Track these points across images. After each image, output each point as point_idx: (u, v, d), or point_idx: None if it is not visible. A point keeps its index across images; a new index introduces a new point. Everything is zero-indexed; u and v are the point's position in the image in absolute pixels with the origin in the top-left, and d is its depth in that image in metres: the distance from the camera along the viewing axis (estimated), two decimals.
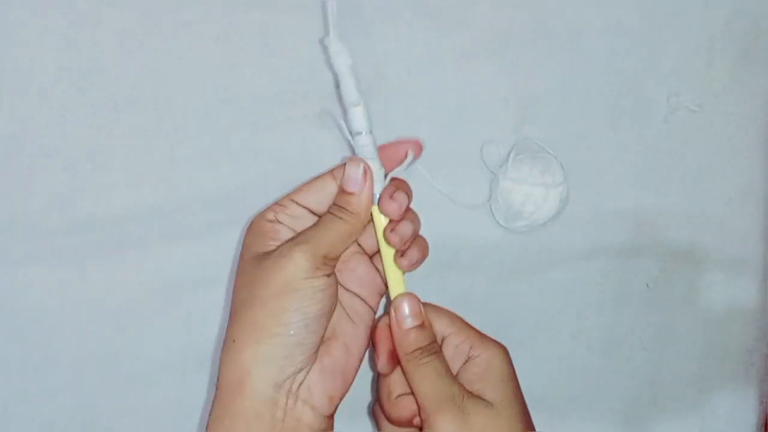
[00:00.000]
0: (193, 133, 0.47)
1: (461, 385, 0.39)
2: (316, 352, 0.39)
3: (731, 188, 0.49)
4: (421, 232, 0.48)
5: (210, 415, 0.38)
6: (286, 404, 0.38)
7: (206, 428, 0.38)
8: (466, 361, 0.41)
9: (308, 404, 0.39)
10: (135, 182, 0.47)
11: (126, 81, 0.46)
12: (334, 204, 0.40)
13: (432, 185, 0.47)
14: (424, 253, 0.42)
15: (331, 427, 0.40)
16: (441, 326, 0.41)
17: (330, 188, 0.41)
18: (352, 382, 0.41)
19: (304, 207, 0.41)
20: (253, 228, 0.40)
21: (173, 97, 0.47)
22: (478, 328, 0.48)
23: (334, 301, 0.40)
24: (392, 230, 0.40)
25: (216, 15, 0.47)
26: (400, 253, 0.41)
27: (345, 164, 0.40)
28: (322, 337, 0.40)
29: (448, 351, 0.41)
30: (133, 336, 0.47)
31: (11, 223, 0.46)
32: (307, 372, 0.39)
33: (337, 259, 0.40)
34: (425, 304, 0.41)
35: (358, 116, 0.40)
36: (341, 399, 0.40)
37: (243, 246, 0.40)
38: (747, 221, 0.49)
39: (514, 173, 0.46)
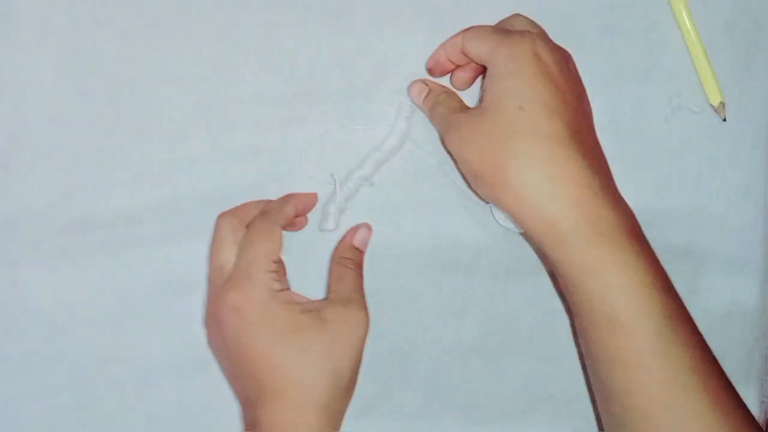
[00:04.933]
0: (193, 133, 0.47)
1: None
2: None
3: (731, 188, 0.49)
4: (422, 232, 0.48)
5: None
6: None
7: None
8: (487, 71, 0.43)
9: None
10: (135, 182, 0.47)
11: (126, 81, 0.46)
12: (346, 258, 0.45)
13: (448, 176, 0.47)
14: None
15: None
16: (472, 47, 0.43)
17: (281, 236, 0.43)
18: None
19: (279, 261, 0.43)
20: (272, 300, 0.41)
21: (173, 97, 0.47)
22: (477, 328, 0.48)
23: None
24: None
25: (216, 15, 0.47)
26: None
27: (286, 209, 0.44)
28: None
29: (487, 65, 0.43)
30: (132, 336, 0.47)
31: (11, 222, 0.46)
32: None
33: None
34: (470, 31, 0.44)
35: (354, 187, 0.47)
36: None
37: (267, 319, 0.40)
38: (747, 221, 0.49)
39: None
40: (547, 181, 0.39)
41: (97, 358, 0.47)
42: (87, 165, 0.46)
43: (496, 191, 0.40)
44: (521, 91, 0.40)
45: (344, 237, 0.46)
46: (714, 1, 0.49)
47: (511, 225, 0.47)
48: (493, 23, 0.48)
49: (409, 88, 0.47)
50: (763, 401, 0.50)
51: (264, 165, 0.47)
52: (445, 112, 0.44)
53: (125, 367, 0.47)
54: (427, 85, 0.47)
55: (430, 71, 0.47)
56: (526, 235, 0.44)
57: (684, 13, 0.48)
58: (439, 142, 0.47)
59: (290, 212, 0.44)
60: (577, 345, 0.48)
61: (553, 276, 0.48)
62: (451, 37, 0.45)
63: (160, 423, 0.47)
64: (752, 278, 0.49)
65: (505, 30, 0.43)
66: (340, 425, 0.41)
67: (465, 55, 0.44)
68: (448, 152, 0.45)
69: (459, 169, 0.45)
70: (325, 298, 0.43)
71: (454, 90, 0.47)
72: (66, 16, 0.46)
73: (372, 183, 0.47)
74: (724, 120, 0.49)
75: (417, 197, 0.48)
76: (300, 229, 0.47)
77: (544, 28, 0.48)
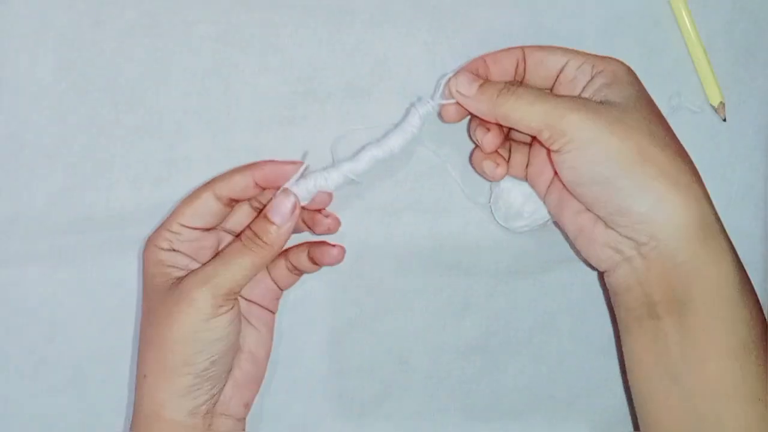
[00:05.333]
0: (193, 133, 0.47)
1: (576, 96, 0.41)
2: (228, 374, 0.41)
3: (731, 188, 0.49)
4: (422, 232, 0.48)
5: None
6: (204, 423, 0.40)
7: None
8: (591, 78, 0.41)
9: (225, 415, 0.41)
10: (135, 182, 0.47)
11: (126, 81, 0.47)
12: (249, 229, 0.40)
13: (451, 174, 0.47)
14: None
15: (244, 426, 0.43)
16: (555, 57, 0.42)
17: (213, 206, 0.41)
18: (262, 382, 0.44)
19: (194, 228, 0.41)
20: (150, 257, 0.41)
21: (173, 97, 0.47)
22: (478, 328, 0.48)
23: (238, 331, 0.41)
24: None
25: (216, 15, 0.47)
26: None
27: (229, 177, 0.41)
28: (231, 363, 0.41)
29: (568, 75, 0.42)
30: (133, 336, 0.47)
31: (11, 222, 0.46)
32: (221, 391, 0.41)
33: (240, 290, 0.40)
34: (525, 49, 0.43)
35: (337, 178, 0.42)
36: (253, 400, 0.44)
37: (144, 275, 0.41)
38: (747, 221, 0.49)
39: None
40: (687, 169, 0.40)
41: (97, 358, 0.47)
42: (87, 165, 0.46)
43: (647, 178, 0.38)
44: (650, 100, 0.41)
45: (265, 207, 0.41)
46: (714, 1, 0.49)
47: (511, 225, 0.47)
48: (493, 23, 0.48)
49: (451, 78, 0.42)
50: None
51: None
52: (545, 95, 0.40)
53: (125, 366, 0.47)
54: (476, 76, 0.42)
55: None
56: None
57: (684, 13, 0.48)
58: (441, 141, 0.47)
59: (238, 181, 0.41)
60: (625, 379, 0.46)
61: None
62: (498, 51, 0.43)
63: None
64: (752, 278, 0.49)
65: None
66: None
67: (522, 64, 0.43)
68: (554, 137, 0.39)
69: (574, 160, 0.39)
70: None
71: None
72: (66, 16, 0.46)
73: (360, 181, 0.43)
74: (724, 120, 0.49)
75: (417, 197, 0.48)
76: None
77: (545, 28, 0.48)
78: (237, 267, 0.39)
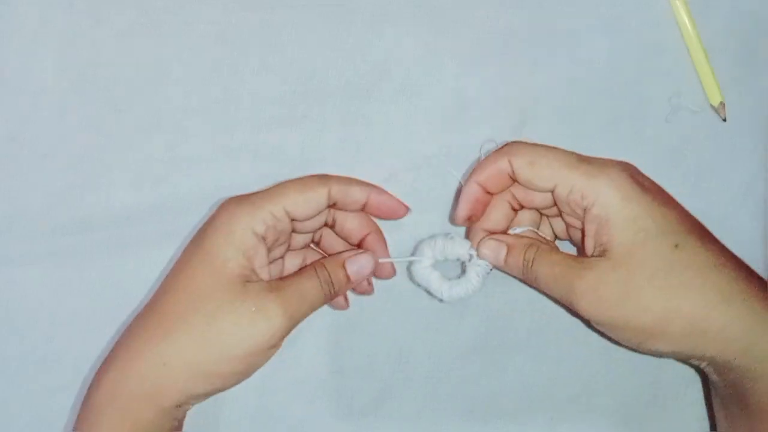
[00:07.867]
0: (193, 133, 0.47)
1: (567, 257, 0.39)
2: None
3: (731, 188, 0.49)
4: (423, 232, 0.48)
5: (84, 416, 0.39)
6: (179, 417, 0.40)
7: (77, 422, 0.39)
8: (584, 211, 0.38)
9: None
10: (135, 182, 0.47)
11: (126, 81, 0.47)
12: (326, 270, 0.40)
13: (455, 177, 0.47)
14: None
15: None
16: (543, 180, 0.39)
17: (322, 204, 0.40)
18: None
19: (292, 220, 0.40)
20: (235, 235, 0.37)
21: (173, 97, 0.47)
22: (477, 328, 0.48)
23: None
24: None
25: (216, 15, 0.47)
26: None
27: (347, 185, 0.40)
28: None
29: (561, 197, 0.39)
30: None
31: (11, 223, 0.46)
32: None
33: None
34: (523, 153, 0.39)
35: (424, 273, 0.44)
36: None
37: (210, 244, 0.38)
38: (747, 221, 0.49)
39: None
40: (739, 310, 0.37)
41: (97, 358, 0.46)
42: (87, 165, 0.46)
43: (694, 339, 0.37)
44: (662, 228, 0.37)
45: (343, 252, 0.42)
46: (714, 1, 0.49)
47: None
48: (493, 23, 0.48)
49: (478, 248, 0.42)
50: None
51: (264, 165, 0.47)
52: (557, 272, 0.38)
53: None
54: (499, 240, 0.41)
55: (468, 219, 0.42)
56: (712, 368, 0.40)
57: (684, 13, 0.48)
58: (442, 141, 0.47)
59: (355, 193, 0.40)
60: None
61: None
62: (486, 164, 0.41)
63: None
64: None
65: (575, 155, 0.39)
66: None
67: (515, 180, 0.40)
68: (578, 315, 0.40)
69: (608, 333, 0.40)
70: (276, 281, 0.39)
71: (534, 235, 0.42)
72: (66, 16, 0.46)
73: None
74: (724, 120, 0.49)
75: (417, 197, 0.48)
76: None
77: (544, 27, 0.48)
78: (310, 305, 0.39)
